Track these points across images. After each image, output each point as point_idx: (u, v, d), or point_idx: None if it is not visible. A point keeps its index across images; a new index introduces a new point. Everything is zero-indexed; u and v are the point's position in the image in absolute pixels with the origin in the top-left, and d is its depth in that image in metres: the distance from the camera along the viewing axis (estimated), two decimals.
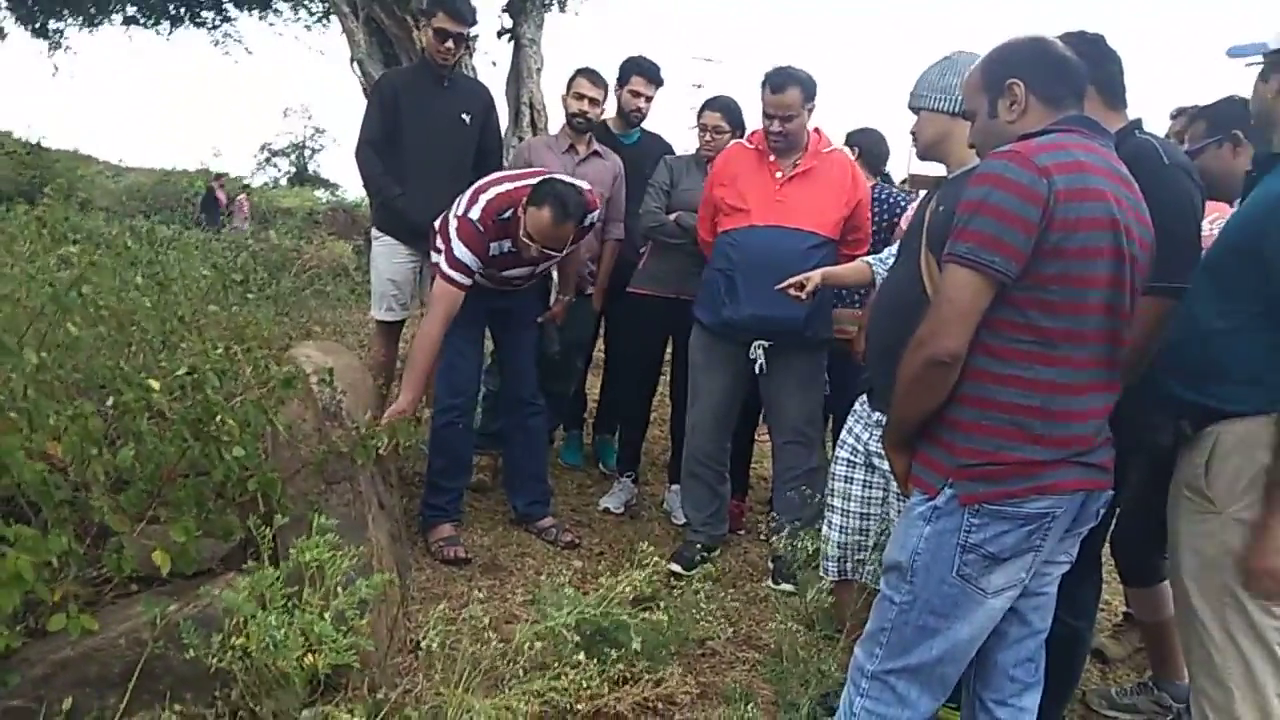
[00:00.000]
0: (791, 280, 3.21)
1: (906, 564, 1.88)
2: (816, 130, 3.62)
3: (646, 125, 4.60)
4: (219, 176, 17.39)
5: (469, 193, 3.46)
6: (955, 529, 1.82)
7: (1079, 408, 1.81)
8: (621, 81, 4.38)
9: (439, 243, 3.41)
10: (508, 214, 3.38)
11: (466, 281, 3.38)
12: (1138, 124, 2.42)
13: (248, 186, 17.16)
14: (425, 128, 3.97)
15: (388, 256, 4.16)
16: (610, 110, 4.46)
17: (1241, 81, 2.23)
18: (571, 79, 4.23)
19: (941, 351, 1.77)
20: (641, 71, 4.36)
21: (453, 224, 3.38)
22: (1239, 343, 1.97)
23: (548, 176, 3.46)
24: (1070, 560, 2.01)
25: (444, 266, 3.37)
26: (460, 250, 3.35)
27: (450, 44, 3.96)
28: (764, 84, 3.47)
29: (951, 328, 1.77)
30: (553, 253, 3.38)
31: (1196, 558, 2.02)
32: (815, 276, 3.19)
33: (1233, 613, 1.96)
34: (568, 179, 3.48)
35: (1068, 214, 1.72)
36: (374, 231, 4.25)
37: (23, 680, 2.06)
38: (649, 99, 4.42)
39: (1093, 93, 2.28)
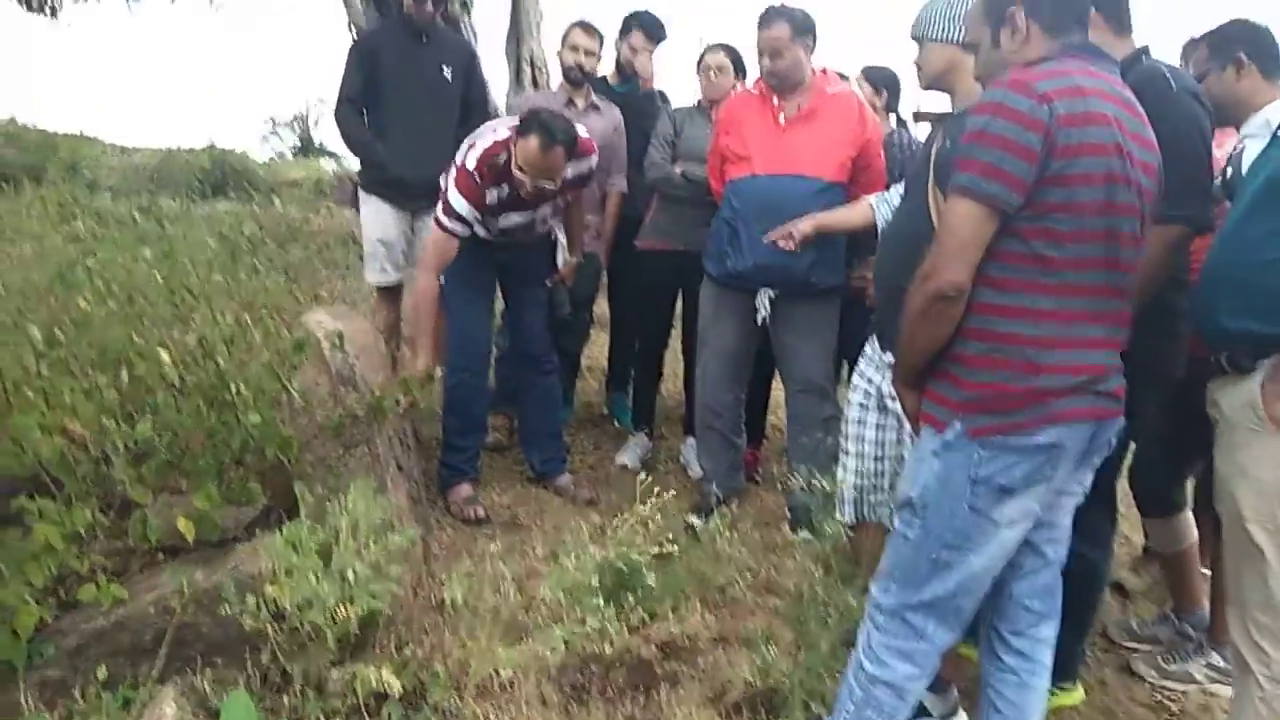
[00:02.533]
0: (779, 230, 3.17)
1: (918, 499, 1.88)
2: (823, 70, 3.56)
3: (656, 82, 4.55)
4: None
5: (465, 143, 3.45)
6: (965, 462, 1.82)
7: (1086, 336, 1.80)
8: (622, 34, 4.34)
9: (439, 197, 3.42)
10: (503, 158, 3.37)
11: (461, 230, 3.40)
12: (1145, 51, 2.38)
13: None
14: (406, 83, 3.96)
15: (375, 217, 4.16)
16: (609, 64, 4.42)
17: (1251, 5, 2.18)
18: (567, 32, 4.20)
19: (945, 284, 1.76)
20: (642, 26, 4.31)
21: (451, 174, 3.39)
22: None
23: (533, 108, 3.45)
24: (1084, 491, 2.01)
25: (439, 214, 3.39)
26: (456, 199, 3.36)
27: (429, 5, 3.96)
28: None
29: (954, 260, 1.76)
30: (547, 185, 3.35)
31: (1254, 483, 2.02)
32: (804, 224, 3.15)
33: None
34: (554, 111, 3.47)
35: (1069, 140, 1.70)
36: (361, 194, 4.25)
37: (57, 651, 2.11)
38: (649, 54, 4.37)
39: (1098, 19, 2.25)
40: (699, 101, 4.18)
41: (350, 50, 4.11)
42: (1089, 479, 2.01)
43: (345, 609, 2.09)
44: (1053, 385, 1.78)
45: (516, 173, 3.31)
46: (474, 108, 4.08)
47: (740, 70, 4.09)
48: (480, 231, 3.53)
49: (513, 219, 3.55)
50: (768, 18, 3.40)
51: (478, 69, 4.29)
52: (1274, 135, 2.16)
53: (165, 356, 2.31)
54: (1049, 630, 2.09)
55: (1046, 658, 2.09)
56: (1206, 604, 3.00)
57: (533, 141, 3.25)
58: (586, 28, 4.17)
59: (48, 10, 10.38)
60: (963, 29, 2.30)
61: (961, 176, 1.75)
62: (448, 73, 4.05)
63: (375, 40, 4.10)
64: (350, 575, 2.10)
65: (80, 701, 2.04)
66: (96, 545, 2.21)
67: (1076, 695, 2.73)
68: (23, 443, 2.07)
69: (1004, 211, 1.73)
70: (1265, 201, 2.03)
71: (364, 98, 4.00)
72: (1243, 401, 2.05)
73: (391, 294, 4.32)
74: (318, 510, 2.30)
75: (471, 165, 3.37)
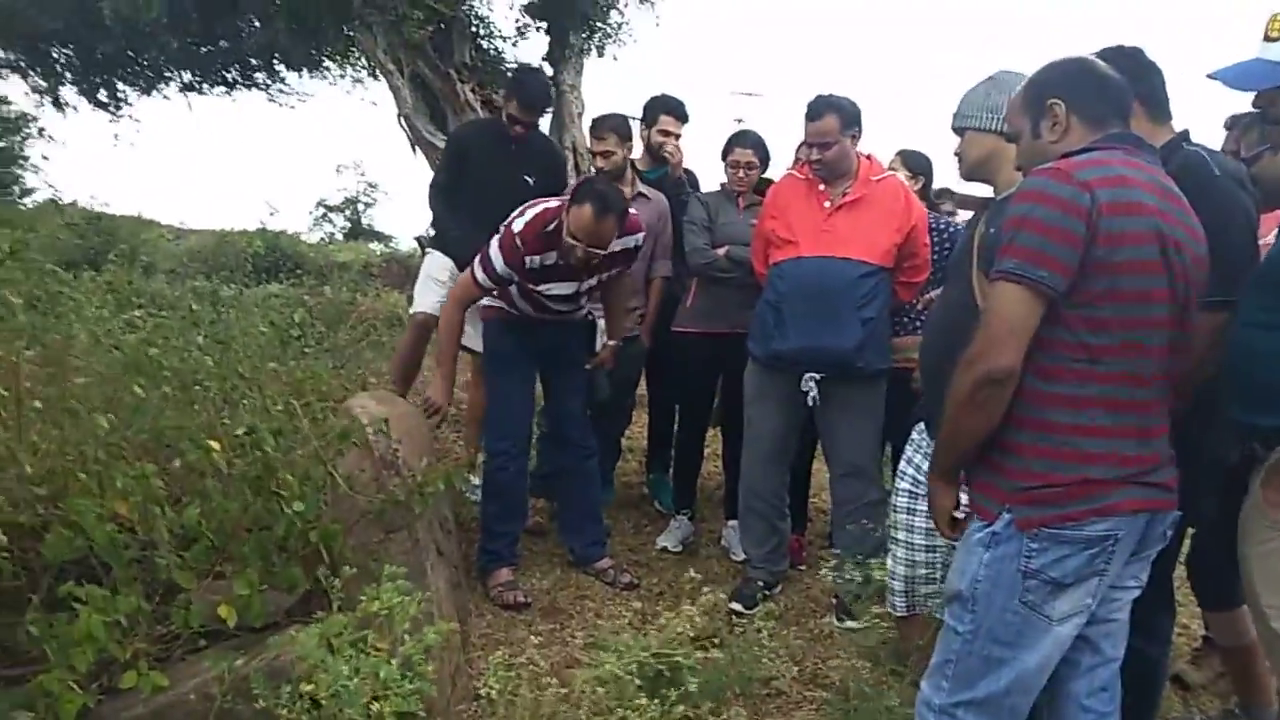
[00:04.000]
0: None
1: (968, 593, 1.84)
2: (868, 157, 3.61)
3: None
4: None
5: (515, 212, 3.54)
6: (1015, 555, 1.78)
7: (1135, 426, 1.77)
8: (649, 121, 4.42)
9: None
10: (552, 227, 3.44)
11: (488, 285, 3.49)
12: (1185, 135, 2.38)
13: None
14: (486, 183, 4.11)
15: (434, 259, 4.41)
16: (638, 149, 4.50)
17: None
18: (591, 131, 4.31)
19: (995, 369, 1.74)
20: (669, 110, 4.40)
21: (497, 235, 3.49)
22: None
23: (586, 177, 3.53)
24: (1140, 585, 1.95)
25: (474, 265, 3.49)
26: (495, 255, 3.44)
27: (520, 129, 4.14)
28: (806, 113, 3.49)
29: (1004, 344, 1.74)
30: (597, 252, 3.40)
31: (1273, 580, 1.94)
32: None
33: None
34: (606, 180, 3.61)
35: (1111, 228, 1.71)
36: (429, 249, 4.52)
37: None
38: (677, 137, 4.45)
39: (1136, 107, 2.25)
40: (723, 186, 4.24)
41: (448, 141, 4.49)
42: (1145, 573, 1.96)
43: (379, 705, 2.07)
44: (1103, 475, 1.75)
45: (567, 240, 3.37)
46: None
47: (765, 161, 4.16)
48: (521, 303, 3.60)
49: (556, 289, 3.58)
50: (817, 110, 3.46)
51: (562, 175, 4.45)
52: None
53: (215, 445, 2.34)
54: None
55: None
56: (1277, 700, 2.87)
57: (586, 209, 3.32)
58: (597, 129, 4.24)
59: (111, 108, 10.90)
60: (1000, 118, 2.33)
61: (1007, 262, 1.75)
62: (529, 179, 4.17)
63: (469, 137, 4.34)
64: (382, 674, 2.08)
65: None
66: (140, 630, 2.22)
67: None
68: (77, 527, 2.09)
69: (1050, 296, 1.72)
70: (1252, 293, 2.02)
71: (452, 186, 4.23)
72: (1256, 494, 1.99)
73: (423, 326, 4.45)
74: (353, 601, 2.29)
75: (518, 229, 3.44)
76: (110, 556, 2.16)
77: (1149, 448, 1.80)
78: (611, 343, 3.98)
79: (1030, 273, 1.72)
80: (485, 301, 3.64)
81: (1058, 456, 1.77)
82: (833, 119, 3.44)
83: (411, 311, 4.54)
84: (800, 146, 3.66)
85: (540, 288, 3.56)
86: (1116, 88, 1.91)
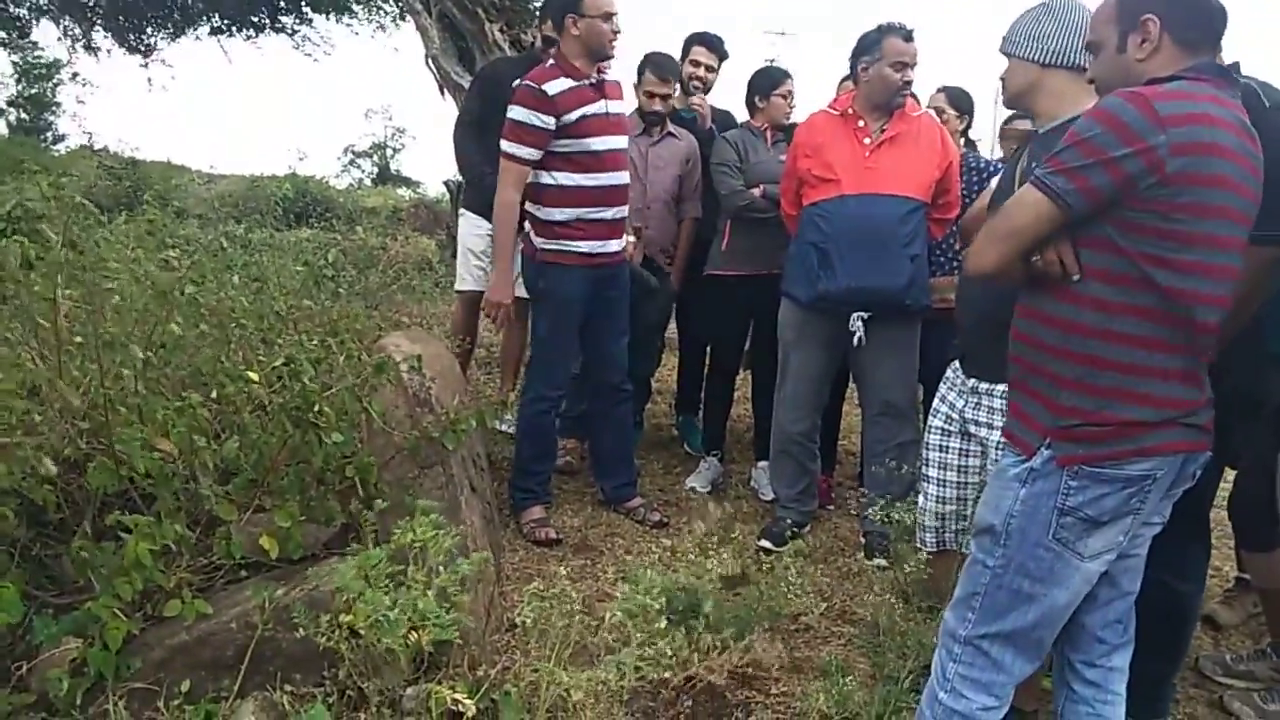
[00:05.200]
0: None
1: (1000, 527, 1.83)
2: None
3: (716, 99, 4.54)
4: None
5: None
6: (1052, 491, 1.76)
7: (1188, 368, 1.74)
8: (683, 54, 4.35)
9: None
10: (550, 62, 3.46)
11: (526, 152, 3.42)
12: (1235, 67, 2.31)
13: None
14: None
15: (470, 229, 4.39)
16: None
17: None
18: (640, 71, 4.20)
19: (977, 268, 1.82)
20: (703, 41, 4.33)
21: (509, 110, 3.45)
22: None
23: None
24: (1163, 521, 1.93)
25: (504, 146, 3.43)
26: (515, 112, 3.40)
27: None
28: (886, 35, 3.41)
29: (995, 245, 1.76)
30: (611, 28, 3.39)
31: None
32: None
33: None
34: None
35: (1188, 168, 1.64)
36: (462, 210, 4.50)
37: (144, 664, 2.17)
38: (710, 69, 4.37)
39: None
40: (746, 124, 4.19)
41: (474, 77, 4.39)
42: (1169, 510, 1.93)
43: (417, 635, 2.11)
44: (1150, 416, 1.72)
45: (596, 22, 3.37)
46: None
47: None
48: (574, 176, 3.49)
49: (590, 108, 3.48)
50: (910, 33, 3.43)
51: None
52: None
53: (254, 375, 2.38)
54: (1121, 659, 2.02)
55: (1120, 686, 2.02)
56: None
57: None
58: (661, 73, 4.14)
59: (142, 49, 10.89)
60: (1045, 50, 2.24)
61: (1044, 168, 1.73)
62: None
63: (502, 72, 4.27)
64: (420, 605, 2.12)
65: (165, 714, 2.09)
66: (182, 560, 2.27)
67: None
68: (122, 458, 2.14)
69: (1067, 216, 1.70)
70: None
71: (480, 123, 4.15)
72: None
73: (473, 300, 4.51)
74: (389, 534, 2.33)
75: (520, 84, 3.44)
76: (158, 485, 2.20)
77: (1194, 389, 1.77)
78: (630, 238, 3.93)
79: (1057, 184, 1.69)
80: (549, 245, 3.54)
81: (1108, 394, 1.73)
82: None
83: (457, 289, 4.61)
84: (854, 78, 3.56)
85: (576, 113, 3.44)
86: (1213, 12, 1.81)
